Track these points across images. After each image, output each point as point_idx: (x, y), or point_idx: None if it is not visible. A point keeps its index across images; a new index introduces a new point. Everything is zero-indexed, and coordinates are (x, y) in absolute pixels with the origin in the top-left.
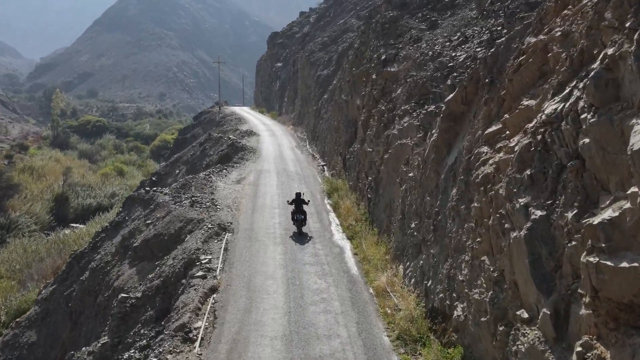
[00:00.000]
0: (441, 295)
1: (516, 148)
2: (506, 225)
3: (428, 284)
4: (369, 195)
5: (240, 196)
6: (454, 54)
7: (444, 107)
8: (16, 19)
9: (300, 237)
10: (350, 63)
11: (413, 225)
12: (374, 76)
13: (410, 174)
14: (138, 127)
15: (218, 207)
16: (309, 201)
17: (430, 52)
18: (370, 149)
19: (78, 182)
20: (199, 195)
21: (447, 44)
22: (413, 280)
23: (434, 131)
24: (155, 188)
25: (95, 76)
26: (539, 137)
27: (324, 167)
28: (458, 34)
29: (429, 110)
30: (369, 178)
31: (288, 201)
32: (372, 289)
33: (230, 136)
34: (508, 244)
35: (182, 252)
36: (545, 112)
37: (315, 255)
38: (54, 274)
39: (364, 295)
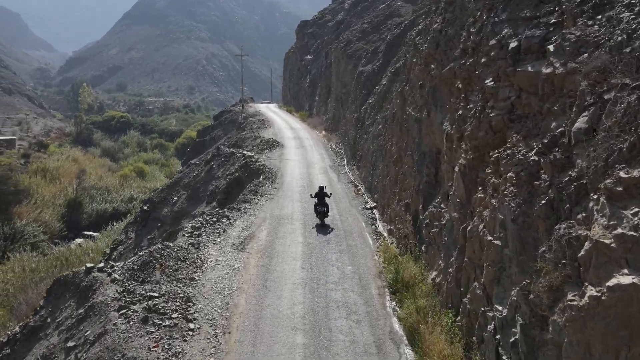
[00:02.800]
0: None
1: None
2: None
3: None
4: (502, 338)
5: (238, 287)
6: None
7: None
8: (50, 13)
9: (323, 228)
10: (422, 57)
11: None
12: (489, 83)
13: None
14: (164, 123)
15: (192, 322)
16: (331, 194)
17: None
18: (497, 241)
19: (94, 184)
20: (164, 291)
21: None
22: None
23: None
24: (101, 265)
25: (124, 70)
26: None
27: (374, 210)
28: None
29: None
30: (508, 301)
31: (311, 195)
32: None
33: (245, 152)
34: None
35: None
36: None
37: None
38: None
39: None
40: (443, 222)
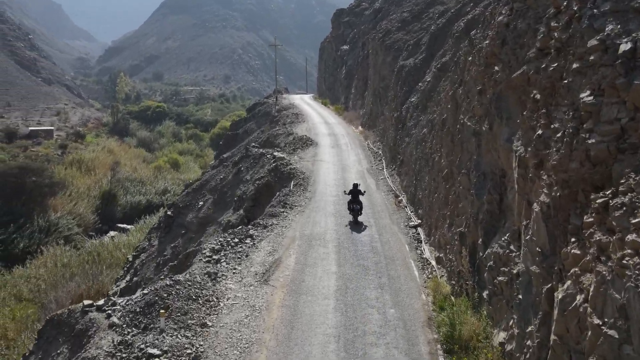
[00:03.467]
0: None
1: None
2: None
3: None
4: None
5: (258, 337)
6: None
7: None
8: (91, 3)
9: (357, 226)
10: (482, 55)
11: None
12: (586, 97)
13: None
14: (199, 113)
15: None
16: (364, 192)
17: None
18: (611, 331)
19: (128, 176)
20: (167, 345)
21: None
22: None
23: None
24: (101, 303)
25: (161, 59)
26: None
27: (418, 229)
28: None
29: None
30: None
31: (345, 192)
32: None
33: (275, 153)
34: None
35: None
36: None
37: None
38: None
39: None
40: (515, 272)
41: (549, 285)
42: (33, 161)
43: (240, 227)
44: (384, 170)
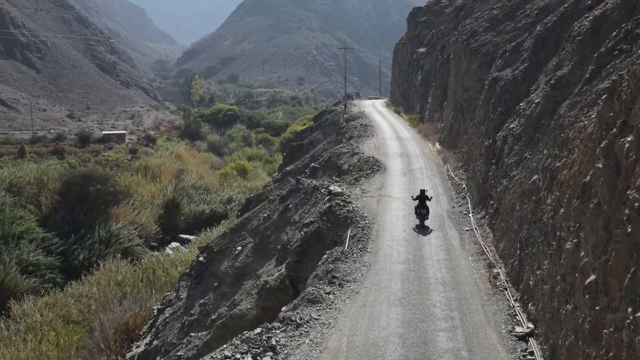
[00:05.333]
0: None
1: None
2: None
3: None
4: None
5: None
6: None
7: None
8: (172, 7)
9: (423, 230)
10: None
11: None
12: None
13: None
14: (270, 116)
15: None
16: (432, 197)
17: None
18: None
19: (194, 183)
20: None
21: None
22: None
23: None
24: None
25: (237, 61)
26: None
27: (529, 341)
28: None
29: None
30: None
31: (413, 197)
32: None
33: (332, 187)
34: None
35: None
36: None
37: None
38: (119, 334)
39: None
40: None
41: None
42: (103, 167)
43: (259, 331)
44: (470, 215)
